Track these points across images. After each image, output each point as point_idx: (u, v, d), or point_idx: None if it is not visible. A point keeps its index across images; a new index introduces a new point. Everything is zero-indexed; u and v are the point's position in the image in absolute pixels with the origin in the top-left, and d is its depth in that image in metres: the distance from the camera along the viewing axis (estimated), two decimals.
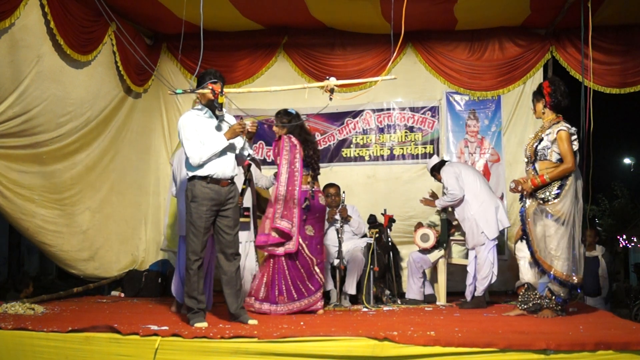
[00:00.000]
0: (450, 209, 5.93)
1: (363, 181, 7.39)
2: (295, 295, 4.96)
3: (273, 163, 7.01)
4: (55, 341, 3.81)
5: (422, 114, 7.37)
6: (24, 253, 14.19)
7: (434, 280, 6.26)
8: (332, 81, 4.17)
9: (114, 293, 6.76)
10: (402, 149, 7.38)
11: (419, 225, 6.23)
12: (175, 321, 4.37)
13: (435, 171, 6.06)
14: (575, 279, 4.46)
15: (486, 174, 7.03)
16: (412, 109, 7.40)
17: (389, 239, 6.14)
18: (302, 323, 4.26)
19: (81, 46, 5.85)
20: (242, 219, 5.05)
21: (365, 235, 6.22)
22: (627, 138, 25.68)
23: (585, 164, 5.13)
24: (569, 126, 4.54)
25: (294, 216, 4.96)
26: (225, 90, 4.29)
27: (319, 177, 5.36)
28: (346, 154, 7.48)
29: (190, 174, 4.31)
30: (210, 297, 5.13)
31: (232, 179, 4.37)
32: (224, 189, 4.30)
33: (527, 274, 4.88)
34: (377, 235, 5.89)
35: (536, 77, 7.06)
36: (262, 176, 5.99)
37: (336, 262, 5.62)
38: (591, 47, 5.71)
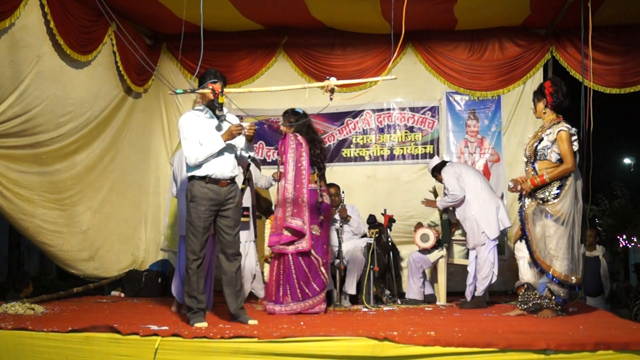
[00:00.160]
0: (451, 209, 5.93)
1: (363, 181, 7.40)
2: (300, 296, 4.96)
3: (273, 163, 7.06)
4: (55, 341, 3.81)
5: (422, 114, 7.37)
6: (24, 253, 14.21)
7: (434, 280, 6.26)
8: (333, 81, 4.17)
9: (114, 293, 6.76)
10: (402, 149, 7.38)
11: (419, 225, 6.23)
12: (175, 321, 4.36)
13: (436, 172, 6.06)
14: (574, 279, 4.46)
15: (486, 174, 7.03)
16: (412, 109, 7.40)
17: (389, 239, 6.14)
18: (302, 323, 4.26)
19: (81, 46, 5.85)
20: (241, 219, 5.05)
21: (365, 235, 6.22)
22: (627, 138, 25.71)
23: (585, 164, 5.13)
24: (569, 126, 4.54)
25: (304, 214, 4.96)
26: (225, 90, 4.29)
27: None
28: (346, 154, 7.48)
29: (190, 174, 4.32)
30: (211, 297, 5.13)
31: (231, 179, 4.36)
32: (223, 189, 4.30)
33: (526, 274, 4.88)
34: (377, 235, 5.89)
35: (536, 77, 7.07)
36: (262, 176, 5.99)
37: (336, 262, 5.62)
38: (591, 47, 5.71)
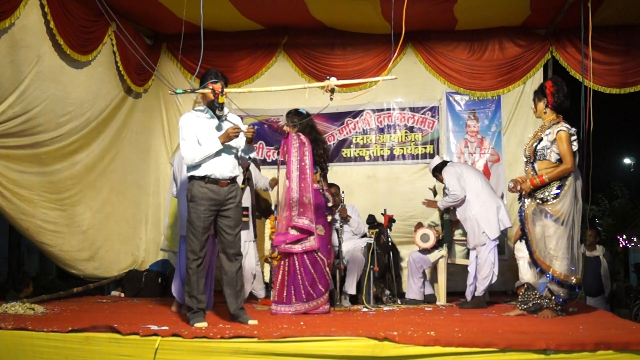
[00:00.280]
0: (452, 209, 5.93)
1: (363, 181, 7.40)
2: (304, 297, 4.95)
3: (273, 163, 7.05)
4: (55, 341, 3.81)
5: (422, 114, 7.37)
6: (24, 253, 14.21)
7: (434, 280, 6.26)
8: (333, 81, 4.16)
9: (114, 293, 6.76)
10: (402, 149, 7.38)
11: (419, 225, 6.23)
12: (175, 321, 4.37)
13: (437, 172, 6.06)
14: (574, 279, 4.45)
15: (486, 174, 7.03)
16: (412, 109, 7.40)
17: (389, 239, 6.14)
18: (302, 323, 4.26)
19: (81, 46, 5.85)
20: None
21: (365, 235, 6.22)
22: (627, 138, 25.73)
23: (585, 164, 5.13)
24: (569, 127, 4.53)
25: (310, 213, 4.95)
26: (225, 90, 4.29)
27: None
28: (346, 154, 7.48)
29: (189, 174, 4.32)
30: (211, 297, 5.13)
31: (232, 179, 4.36)
32: (223, 189, 4.29)
33: (526, 274, 4.88)
34: (376, 235, 5.88)
35: (536, 77, 7.07)
36: (262, 177, 6.00)
37: (336, 262, 5.62)
38: (591, 47, 5.71)
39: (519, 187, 4.66)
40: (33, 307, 4.82)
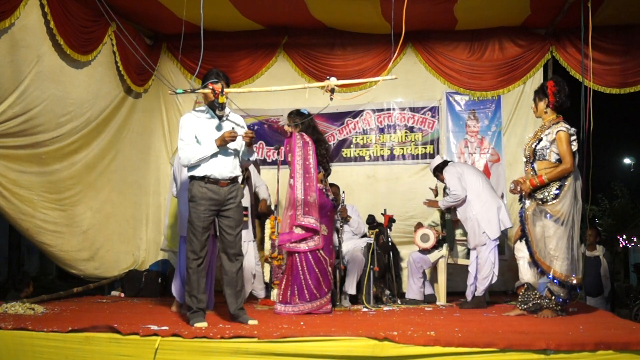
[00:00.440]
0: (453, 209, 5.93)
1: (363, 181, 7.40)
2: (308, 297, 4.95)
3: (273, 163, 7.05)
4: (55, 341, 3.80)
5: (422, 114, 7.37)
6: (24, 253, 14.21)
7: (434, 280, 6.26)
8: (333, 81, 4.16)
9: (114, 293, 6.76)
10: (402, 149, 7.38)
11: (419, 225, 6.23)
12: (175, 321, 4.36)
13: (438, 171, 6.06)
14: (574, 280, 4.45)
15: (486, 174, 7.02)
16: (412, 109, 7.40)
17: (389, 239, 6.14)
18: (302, 323, 4.25)
19: (81, 46, 5.85)
20: None
21: (365, 235, 6.22)
22: (627, 138, 25.76)
23: (585, 164, 5.13)
24: (569, 127, 4.53)
25: (315, 212, 4.95)
26: (225, 90, 4.28)
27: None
28: (346, 154, 7.48)
29: (190, 174, 4.33)
30: (212, 297, 5.13)
31: (232, 179, 4.36)
32: (223, 189, 4.29)
33: (526, 274, 4.88)
34: (376, 235, 5.88)
35: (536, 77, 7.07)
36: (262, 184, 6.01)
37: (336, 262, 5.62)
38: (591, 47, 5.70)
39: (519, 188, 4.66)
40: (33, 307, 4.82)
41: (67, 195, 5.92)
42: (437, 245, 6.02)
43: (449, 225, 6.01)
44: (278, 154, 6.83)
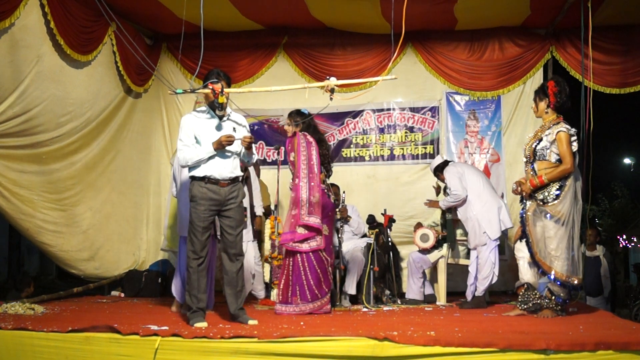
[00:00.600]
0: (453, 209, 5.93)
1: (363, 181, 7.40)
2: (309, 297, 4.94)
3: (273, 163, 7.05)
4: (55, 341, 3.80)
5: (422, 114, 7.37)
6: (24, 253, 14.22)
7: (434, 280, 6.26)
8: (333, 81, 4.16)
9: (114, 293, 6.76)
10: (402, 149, 7.38)
11: (419, 225, 6.23)
12: (175, 321, 4.36)
13: (439, 171, 6.07)
14: (575, 280, 4.45)
15: (486, 174, 7.01)
16: (412, 109, 7.40)
17: (389, 239, 6.14)
18: (302, 323, 4.25)
19: (81, 46, 5.85)
20: None
21: (365, 235, 6.22)
22: (627, 138, 25.80)
23: (585, 164, 5.12)
24: (569, 127, 4.53)
25: (319, 211, 4.95)
26: (225, 90, 4.28)
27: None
28: (346, 154, 7.48)
29: (190, 174, 4.33)
30: (212, 297, 5.12)
31: (232, 179, 4.36)
32: (223, 189, 4.29)
33: (526, 274, 4.87)
34: (376, 235, 5.88)
35: (536, 77, 7.07)
36: (257, 189, 6.01)
37: (336, 262, 5.62)
38: (591, 47, 5.70)
39: (519, 189, 4.65)
40: (33, 307, 4.82)
41: (67, 195, 5.92)
42: (437, 245, 6.02)
43: (450, 225, 6.01)
44: (278, 154, 6.84)
